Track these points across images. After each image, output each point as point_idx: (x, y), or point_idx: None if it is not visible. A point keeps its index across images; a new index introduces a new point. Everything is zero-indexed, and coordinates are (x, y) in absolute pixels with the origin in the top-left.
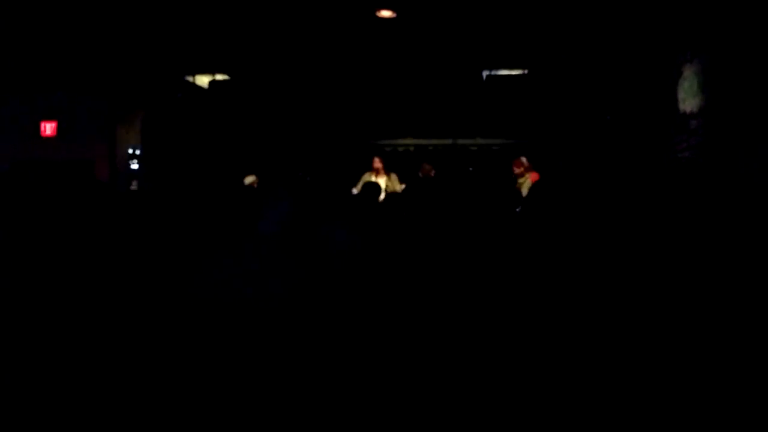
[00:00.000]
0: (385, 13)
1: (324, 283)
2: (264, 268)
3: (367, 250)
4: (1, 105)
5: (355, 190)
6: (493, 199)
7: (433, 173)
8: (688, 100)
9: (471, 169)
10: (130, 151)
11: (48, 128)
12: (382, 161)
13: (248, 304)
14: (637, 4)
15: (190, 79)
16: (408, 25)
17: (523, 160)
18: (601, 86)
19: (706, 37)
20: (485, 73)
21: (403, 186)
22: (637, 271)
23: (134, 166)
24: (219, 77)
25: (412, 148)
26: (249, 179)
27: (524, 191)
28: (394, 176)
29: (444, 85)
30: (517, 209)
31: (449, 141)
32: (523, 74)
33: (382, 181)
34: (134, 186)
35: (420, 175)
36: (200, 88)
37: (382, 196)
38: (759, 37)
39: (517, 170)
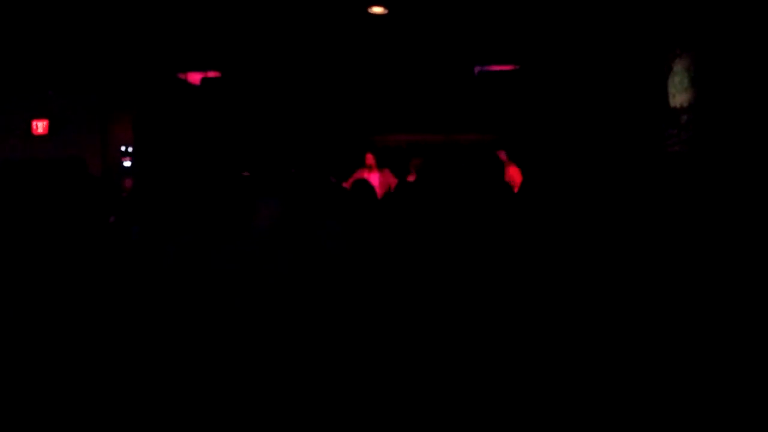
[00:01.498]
0: (377, 10)
1: (315, 281)
2: (255, 266)
3: (359, 249)
4: None
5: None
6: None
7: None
8: (678, 95)
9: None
10: (123, 148)
11: (39, 126)
12: (375, 157)
13: (241, 301)
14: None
15: (182, 76)
16: (400, 21)
17: (503, 153)
18: (592, 81)
19: (695, 32)
20: (477, 69)
21: (395, 182)
22: (629, 265)
23: (127, 163)
24: (211, 74)
25: (404, 144)
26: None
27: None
28: (387, 171)
29: (435, 80)
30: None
31: (441, 136)
32: (515, 70)
33: (375, 177)
34: (129, 184)
35: (412, 170)
36: (192, 85)
37: (377, 192)
38: (748, 32)
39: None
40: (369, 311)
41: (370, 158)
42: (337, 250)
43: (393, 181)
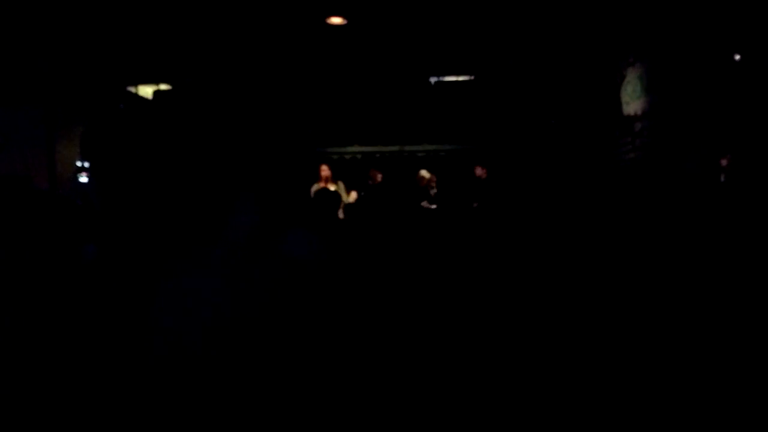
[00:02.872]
0: (336, 20)
1: (289, 294)
2: (232, 283)
3: (330, 259)
4: None
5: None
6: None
7: (380, 177)
8: (632, 103)
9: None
10: (78, 164)
11: None
12: (330, 169)
13: (218, 324)
14: (580, 10)
15: (132, 89)
16: (357, 31)
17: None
18: (547, 90)
19: (647, 41)
20: (433, 80)
21: (353, 194)
22: (584, 269)
23: (83, 179)
24: (163, 87)
25: (359, 156)
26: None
27: None
28: (341, 184)
29: (391, 91)
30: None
31: (396, 147)
32: (470, 80)
33: (330, 189)
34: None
35: (369, 182)
36: (143, 98)
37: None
38: (699, 40)
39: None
40: (343, 318)
41: (325, 170)
42: (306, 258)
43: (346, 194)
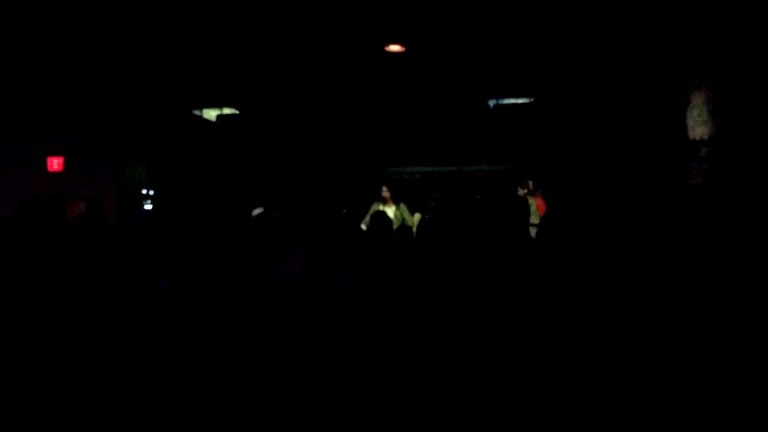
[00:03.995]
0: (394, 48)
1: (334, 331)
2: (284, 317)
3: (376, 297)
4: (9, 141)
5: (363, 225)
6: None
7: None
8: (698, 127)
9: (479, 196)
10: (144, 191)
11: (55, 163)
12: (390, 190)
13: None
14: (643, 32)
15: (197, 113)
16: (416, 58)
17: (530, 183)
18: (610, 114)
19: (713, 64)
20: (492, 102)
21: (416, 216)
22: (650, 299)
23: (147, 206)
24: (227, 111)
25: (417, 175)
26: (256, 211)
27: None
28: (403, 206)
29: (450, 114)
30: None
31: (455, 168)
32: (530, 102)
33: (390, 210)
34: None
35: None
36: (208, 121)
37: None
38: (766, 64)
39: (521, 191)
40: (389, 363)
41: (385, 191)
42: (356, 294)
43: (407, 216)
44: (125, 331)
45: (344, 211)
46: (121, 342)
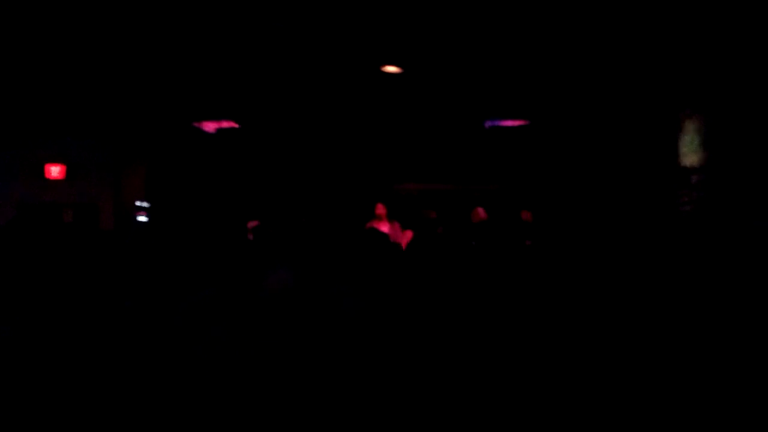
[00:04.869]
0: (391, 69)
1: (331, 349)
2: (255, 338)
3: (374, 315)
4: (9, 148)
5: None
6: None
7: (434, 215)
8: (689, 155)
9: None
10: (138, 203)
11: (54, 171)
12: (385, 207)
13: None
14: (637, 62)
15: (196, 125)
16: (413, 78)
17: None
18: (603, 139)
19: (705, 93)
20: (487, 124)
21: (408, 233)
22: (640, 324)
23: (141, 218)
24: (226, 124)
25: (415, 192)
26: (251, 225)
27: None
28: (396, 224)
29: (447, 134)
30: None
31: (451, 186)
32: (524, 125)
33: (384, 228)
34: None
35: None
36: (207, 134)
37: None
38: (758, 93)
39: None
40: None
41: (380, 208)
42: (353, 319)
43: (401, 233)
44: (89, 342)
45: (303, 220)
46: (87, 353)
